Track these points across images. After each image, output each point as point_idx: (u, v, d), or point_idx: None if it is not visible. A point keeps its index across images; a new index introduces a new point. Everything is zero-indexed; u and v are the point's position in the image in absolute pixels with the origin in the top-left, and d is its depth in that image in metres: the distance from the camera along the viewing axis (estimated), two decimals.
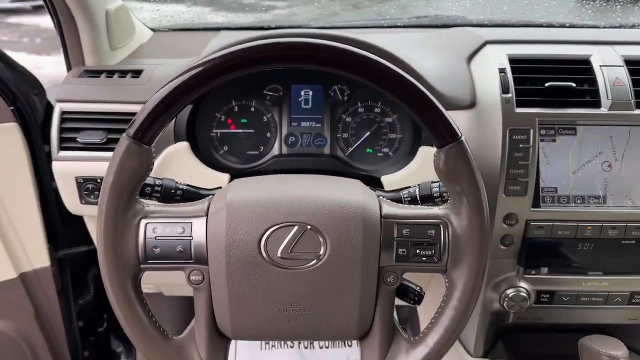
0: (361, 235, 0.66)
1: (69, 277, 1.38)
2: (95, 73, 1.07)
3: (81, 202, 1.06)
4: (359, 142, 1.09)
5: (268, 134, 1.10)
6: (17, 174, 1.17)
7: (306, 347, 1.83)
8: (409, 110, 0.65)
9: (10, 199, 1.18)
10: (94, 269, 1.52)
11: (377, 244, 0.68)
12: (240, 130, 1.09)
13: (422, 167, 1.00)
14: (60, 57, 1.16)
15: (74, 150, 1.03)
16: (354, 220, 0.67)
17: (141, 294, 0.70)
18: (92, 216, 1.14)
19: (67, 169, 1.04)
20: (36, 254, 1.27)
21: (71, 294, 1.40)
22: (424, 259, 0.69)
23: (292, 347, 1.82)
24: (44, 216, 1.25)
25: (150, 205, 0.70)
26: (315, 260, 0.66)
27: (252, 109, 1.09)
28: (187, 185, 0.84)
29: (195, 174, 1.00)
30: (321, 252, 0.66)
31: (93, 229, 1.19)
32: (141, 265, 0.68)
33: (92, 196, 1.04)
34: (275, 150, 1.09)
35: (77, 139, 1.01)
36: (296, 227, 0.66)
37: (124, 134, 0.66)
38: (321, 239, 0.66)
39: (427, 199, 0.82)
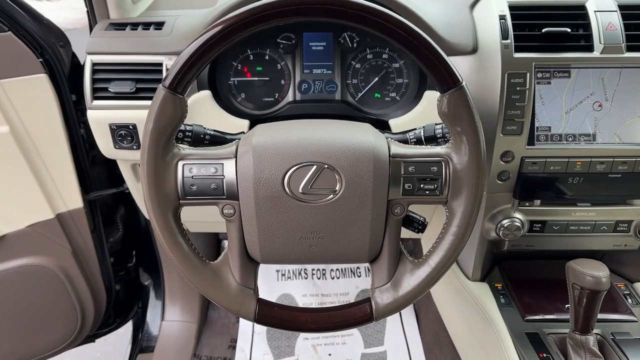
0: (372, 172, 0.75)
1: (99, 217, 1.48)
2: (120, 26, 1.13)
3: (115, 147, 1.13)
4: (368, 88, 1.16)
5: (282, 81, 1.16)
6: (49, 122, 1.24)
7: (319, 278, 1.97)
8: (413, 57, 0.72)
9: (44, 146, 1.26)
10: (122, 210, 1.63)
11: (385, 180, 0.77)
12: (256, 78, 1.16)
13: (426, 111, 1.08)
14: (62, 3, 1.20)
15: (106, 99, 1.09)
16: (366, 160, 0.75)
17: (181, 226, 0.79)
18: (124, 160, 1.22)
19: (101, 116, 1.10)
20: (70, 196, 1.36)
21: (103, 233, 1.50)
22: (427, 192, 0.78)
23: (305, 278, 1.96)
24: (75, 161, 1.33)
25: (185, 148, 0.79)
26: (331, 195, 0.75)
27: (267, 57, 1.15)
28: (214, 130, 0.92)
29: (218, 119, 1.07)
30: (337, 188, 0.75)
31: (126, 171, 1.26)
32: (180, 201, 0.78)
33: (124, 141, 1.11)
34: (289, 97, 1.16)
35: (109, 89, 1.08)
36: (315, 167, 0.75)
37: (160, 85, 0.73)
38: (337, 177, 0.75)
39: (431, 139, 0.91)
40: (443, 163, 0.77)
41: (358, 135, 0.78)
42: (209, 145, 0.89)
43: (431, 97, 1.08)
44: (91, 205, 1.44)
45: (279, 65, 1.15)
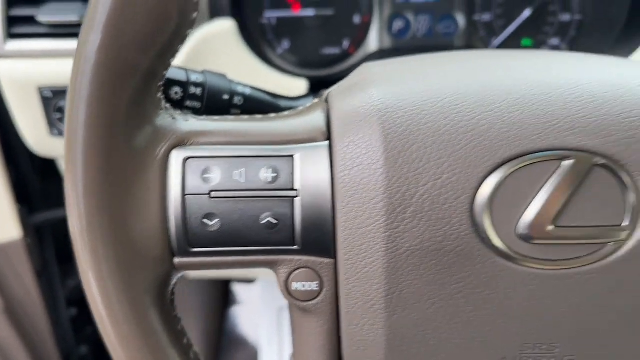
0: None
1: (52, 251, 1.13)
2: None
3: (51, 133, 0.73)
4: (512, 29, 0.78)
5: (356, 18, 0.76)
6: None
7: None
8: None
9: None
10: None
11: None
12: (310, 14, 0.75)
13: None
14: None
15: (32, 38, 0.69)
16: None
17: (177, 325, 0.36)
18: None
19: (22, 72, 0.70)
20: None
21: (58, 274, 1.15)
22: None
23: None
24: (8, 161, 0.94)
25: (193, 119, 0.36)
26: (612, 245, 0.31)
27: None
28: (252, 87, 0.44)
29: (248, 75, 0.63)
30: (624, 224, 0.31)
31: None
32: (176, 260, 0.34)
33: None
34: (371, 44, 0.77)
35: (37, 18, 0.67)
36: (566, 164, 0.30)
37: None
38: (630, 194, 0.30)
39: None
40: None
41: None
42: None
43: None
44: (39, 234, 1.09)
45: None
